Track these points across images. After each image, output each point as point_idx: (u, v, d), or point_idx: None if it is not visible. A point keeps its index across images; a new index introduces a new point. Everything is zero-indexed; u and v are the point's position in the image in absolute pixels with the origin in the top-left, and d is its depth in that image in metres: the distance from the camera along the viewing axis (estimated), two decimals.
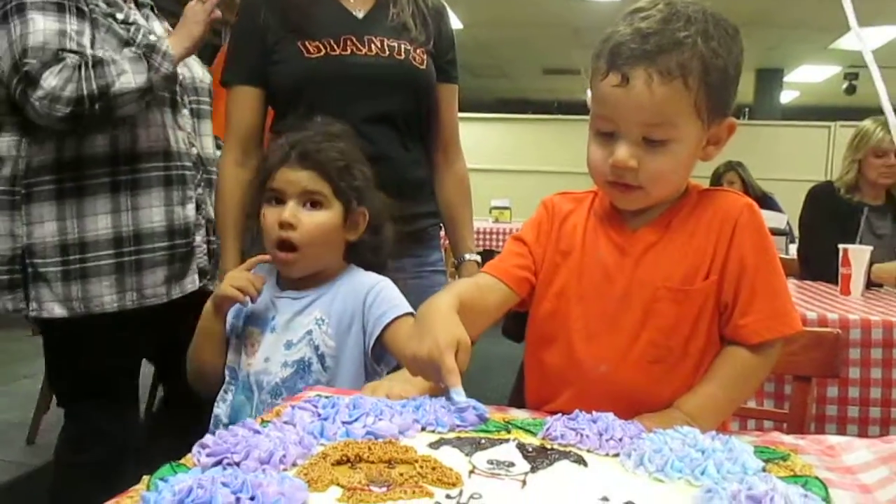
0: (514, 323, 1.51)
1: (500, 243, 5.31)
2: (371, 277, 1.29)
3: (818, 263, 2.55)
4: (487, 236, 5.38)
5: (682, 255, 0.96)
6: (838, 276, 2.29)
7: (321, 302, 1.26)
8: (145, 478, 0.65)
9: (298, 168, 1.23)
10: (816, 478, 0.68)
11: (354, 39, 1.44)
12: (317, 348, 1.23)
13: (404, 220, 1.50)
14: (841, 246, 2.31)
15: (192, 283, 1.65)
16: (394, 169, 1.46)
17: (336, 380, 1.22)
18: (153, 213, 1.58)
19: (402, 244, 1.50)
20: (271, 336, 1.25)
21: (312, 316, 1.25)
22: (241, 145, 1.49)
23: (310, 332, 1.24)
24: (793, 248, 3.18)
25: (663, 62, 0.88)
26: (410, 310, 1.24)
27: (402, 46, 1.47)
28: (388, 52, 1.45)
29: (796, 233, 3.01)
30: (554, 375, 1.02)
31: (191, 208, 1.64)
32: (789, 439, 0.93)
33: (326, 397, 0.86)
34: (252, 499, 0.59)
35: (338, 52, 1.43)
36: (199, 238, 1.67)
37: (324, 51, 1.43)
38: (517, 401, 1.13)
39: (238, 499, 0.59)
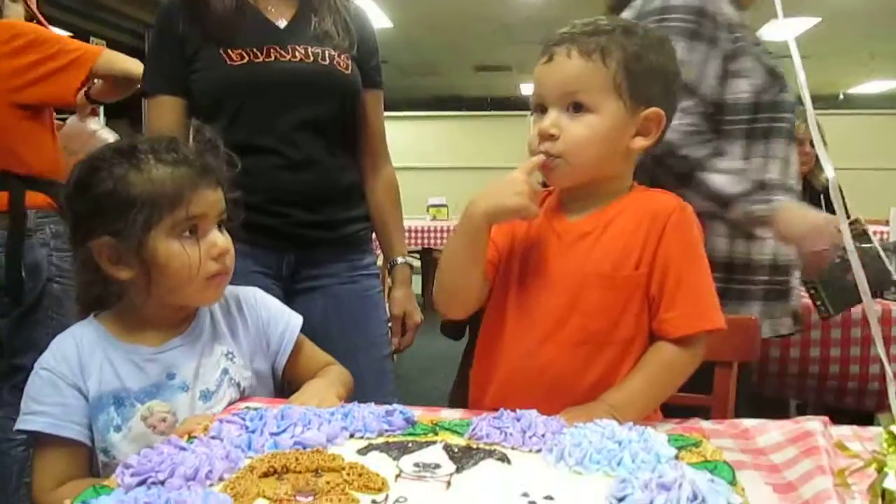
0: (452, 322, 1.54)
1: (439, 241, 5.30)
2: (241, 289, 1.17)
3: None
4: (425, 235, 5.36)
5: (614, 246, 1.00)
6: None
7: (219, 333, 1.10)
8: (66, 502, 0.65)
9: (214, 186, 1.06)
10: (725, 462, 0.71)
11: (278, 48, 1.43)
12: (238, 385, 1.08)
13: (335, 226, 1.51)
14: None
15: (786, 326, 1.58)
16: (322, 174, 1.46)
17: None
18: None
19: (334, 249, 1.52)
20: (183, 396, 1.03)
21: (219, 352, 1.08)
22: None
23: (226, 371, 1.07)
24: None
25: (584, 42, 0.99)
26: (300, 320, 1.18)
27: (326, 52, 1.46)
28: (312, 58, 1.45)
29: None
30: (489, 357, 1.06)
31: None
32: (707, 425, 0.97)
33: (254, 409, 0.86)
34: None
35: (261, 59, 1.42)
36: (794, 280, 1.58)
37: (247, 58, 1.41)
38: (457, 399, 1.15)
39: None
